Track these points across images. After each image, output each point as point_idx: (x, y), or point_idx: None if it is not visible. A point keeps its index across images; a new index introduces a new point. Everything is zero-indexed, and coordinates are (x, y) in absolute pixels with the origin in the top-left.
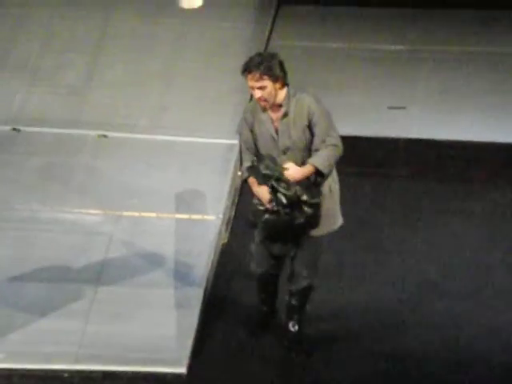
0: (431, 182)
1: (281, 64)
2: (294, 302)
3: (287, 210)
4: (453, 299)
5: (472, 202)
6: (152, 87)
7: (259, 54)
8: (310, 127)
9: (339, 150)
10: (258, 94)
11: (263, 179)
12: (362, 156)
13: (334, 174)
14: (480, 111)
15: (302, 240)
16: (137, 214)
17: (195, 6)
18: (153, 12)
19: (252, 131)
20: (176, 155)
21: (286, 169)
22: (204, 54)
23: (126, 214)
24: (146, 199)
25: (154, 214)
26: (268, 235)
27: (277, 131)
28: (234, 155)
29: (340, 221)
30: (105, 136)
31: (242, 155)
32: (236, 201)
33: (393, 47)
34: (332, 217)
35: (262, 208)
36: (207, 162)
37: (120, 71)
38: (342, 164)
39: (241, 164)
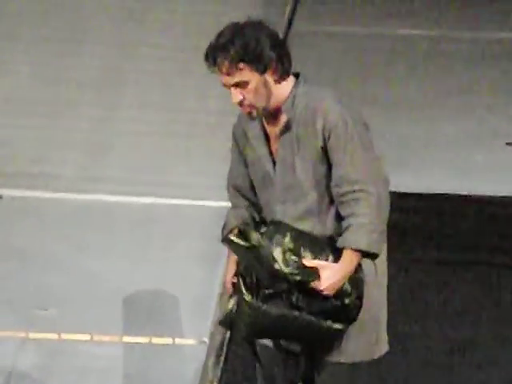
0: None
1: (272, 37)
2: None
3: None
4: None
5: None
6: (83, 104)
7: (231, 26)
8: (326, 151)
9: (379, 199)
10: (235, 95)
11: (268, 275)
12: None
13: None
14: None
15: (319, 368)
16: (55, 335)
17: None
18: None
19: (243, 155)
20: (121, 227)
21: (317, 274)
22: (195, 46)
23: (33, 335)
24: (72, 308)
25: (86, 337)
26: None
27: (274, 160)
28: None
29: (383, 346)
30: None
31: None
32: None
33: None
34: (372, 329)
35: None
36: (180, 239)
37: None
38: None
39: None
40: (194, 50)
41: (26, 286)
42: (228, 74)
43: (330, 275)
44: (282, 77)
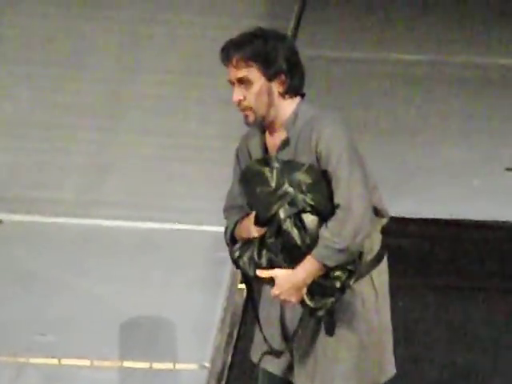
0: None
1: (291, 51)
2: None
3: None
4: None
5: None
6: (82, 129)
7: (256, 29)
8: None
9: (358, 218)
10: (237, 93)
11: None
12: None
13: (381, 277)
14: None
15: None
16: (55, 361)
17: None
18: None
19: None
20: (121, 252)
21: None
22: (195, 70)
23: (33, 361)
24: (72, 333)
25: (87, 362)
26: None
27: None
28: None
29: (389, 369)
30: None
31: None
32: (234, 337)
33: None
34: (375, 354)
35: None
36: (181, 264)
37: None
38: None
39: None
40: (194, 74)
41: (25, 311)
42: (236, 67)
43: (283, 283)
44: (288, 92)
